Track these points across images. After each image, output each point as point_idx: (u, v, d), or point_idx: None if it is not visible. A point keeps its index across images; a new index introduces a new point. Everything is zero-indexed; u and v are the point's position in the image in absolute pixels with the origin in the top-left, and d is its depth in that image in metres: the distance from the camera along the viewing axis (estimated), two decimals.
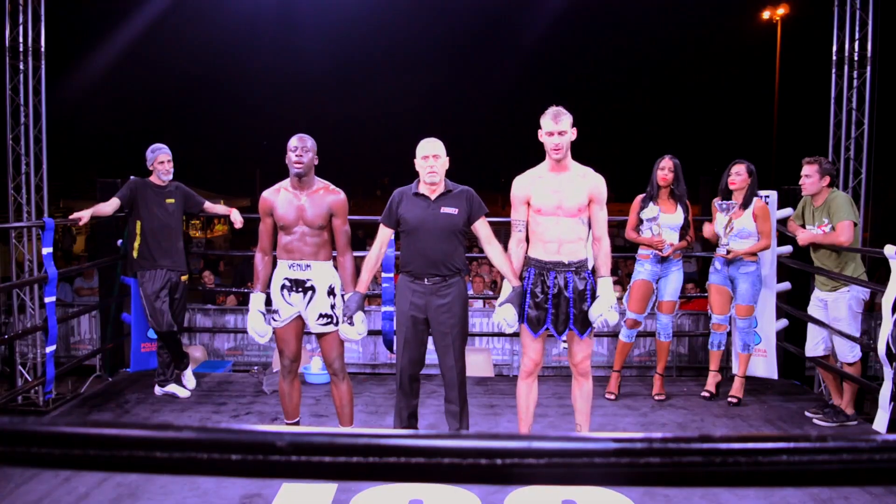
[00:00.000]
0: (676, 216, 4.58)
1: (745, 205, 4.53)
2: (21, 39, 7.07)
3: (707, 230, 4.71)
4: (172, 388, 4.66)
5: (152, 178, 4.65)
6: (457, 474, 0.54)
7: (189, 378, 4.82)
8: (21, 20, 7.03)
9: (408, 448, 0.54)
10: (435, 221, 3.48)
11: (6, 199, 7.23)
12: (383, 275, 5.30)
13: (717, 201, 4.59)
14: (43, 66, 7.20)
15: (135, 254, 4.58)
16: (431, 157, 3.50)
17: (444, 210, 3.50)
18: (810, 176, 4.32)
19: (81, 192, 19.17)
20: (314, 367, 5.14)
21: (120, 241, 5.19)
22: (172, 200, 4.65)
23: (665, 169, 4.58)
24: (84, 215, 4.44)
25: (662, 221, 4.57)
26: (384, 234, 3.62)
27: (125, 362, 5.26)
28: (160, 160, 4.59)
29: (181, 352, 4.73)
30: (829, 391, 4.62)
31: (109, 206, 4.52)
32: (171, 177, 4.65)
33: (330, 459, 0.54)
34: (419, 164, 3.54)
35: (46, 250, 4.42)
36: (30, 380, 7.10)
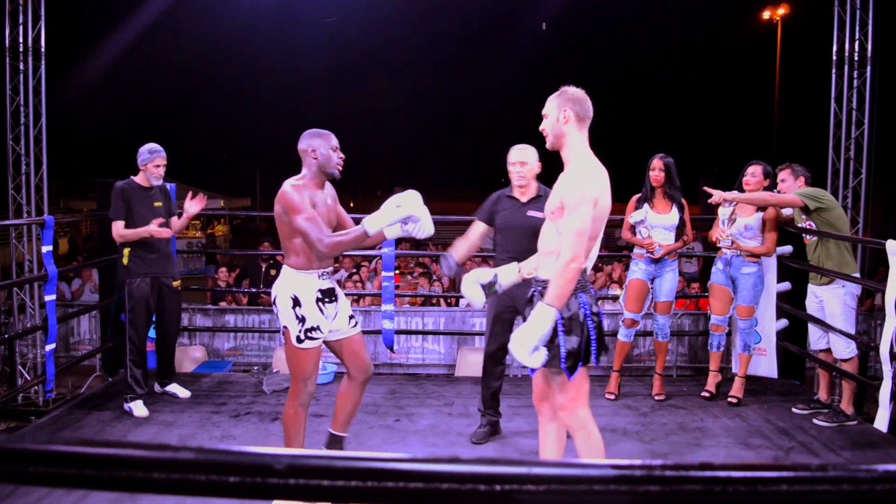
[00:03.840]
0: (671, 216, 4.59)
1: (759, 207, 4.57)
2: (21, 39, 7.06)
3: (713, 234, 4.73)
4: (174, 387, 4.66)
5: (138, 180, 4.41)
6: (455, 500, 0.53)
7: (180, 390, 4.69)
8: (21, 20, 7.03)
9: (406, 473, 0.54)
10: (521, 222, 3.75)
11: (6, 199, 7.23)
12: (383, 274, 5.30)
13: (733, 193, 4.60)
14: (43, 66, 7.19)
15: (125, 260, 4.38)
16: (518, 164, 3.77)
17: (531, 213, 3.75)
18: (785, 180, 4.55)
19: (81, 193, 19.21)
20: None
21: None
22: (160, 203, 4.47)
23: (656, 169, 4.60)
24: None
25: (656, 222, 4.58)
26: (475, 225, 3.81)
27: (125, 362, 5.25)
28: (157, 163, 4.39)
29: (169, 365, 4.70)
30: (820, 386, 4.65)
31: (126, 231, 4.30)
32: (161, 181, 4.48)
33: (328, 483, 0.54)
34: (509, 169, 3.80)
35: (46, 248, 4.41)
36: (29, 379, 7.10)
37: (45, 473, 0.56)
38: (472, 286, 2.92)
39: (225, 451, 0.55)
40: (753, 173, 4.54)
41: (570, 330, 2.64)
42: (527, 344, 2.52)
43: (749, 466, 0.52)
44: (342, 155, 3.19)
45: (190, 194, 4.64)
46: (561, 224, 2.64)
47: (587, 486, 0.52)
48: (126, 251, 4.37)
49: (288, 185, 3.08)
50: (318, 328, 3.13)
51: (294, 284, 3.11)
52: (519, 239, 3.70)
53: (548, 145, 2.81)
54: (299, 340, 3.10)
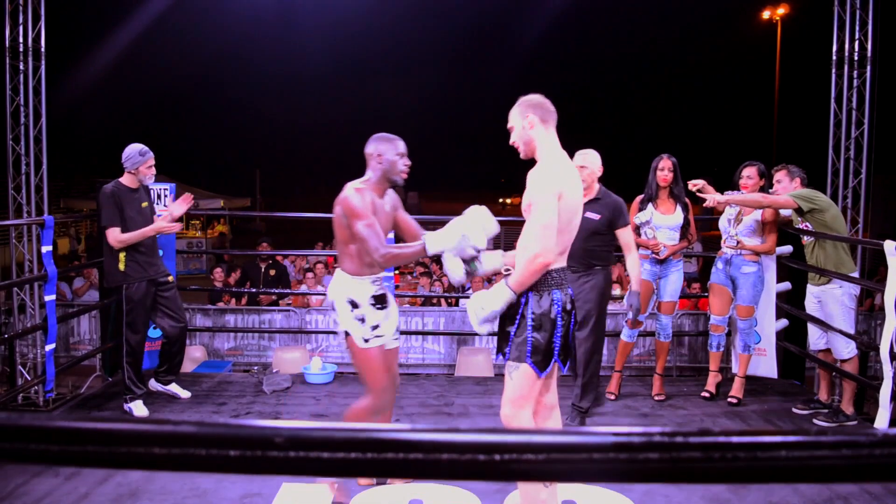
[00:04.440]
0: (676, 216, 4.59)
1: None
2: (21, 39, 7.06)
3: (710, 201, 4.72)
4: (174, 387, 4.65)
5: (126, 181, 4.31)
6: (455, 470, 0.53)
7: (180, 390, 4.69)
8: (21, 20, 7.03)
9: (406, 443, 0.54)
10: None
11: (6, 199, 7.23)
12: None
13: (727, 193, 4.59)
14: (43, 67, 7.20)
15: (121, 266, 4.28)
16: (577, 167, 3.96)
17: (588, 214, 3.91)
18: (781, 181, 4.55)
19: (82, 192, 19.23)
20: (314, 367, 5.14)
21: None
22: (146, 204, 4.41)
23: (664, 169, 4.58)
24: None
25: (661, 223, 4.57)
26: None
27: (122, 364, 5.25)
28: (149, 164, 4.31)
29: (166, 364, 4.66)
30: (820, 387, 4.65)
31: (127, 235, 4.24)
32: (153, 181, 4.43)
33: (328, 455, 0.54)
34: None
35: (46, 248, 4.40)
36: (30, 379, 7.10)
37: (46, 451, 0.56)
38: (454, 261, 2.91)
39: (225, 425, 0.55)
40: (749, 175, 4.54)
41: (540, 326, 2.69)
42: (479, 313, 2.70)
43: (748, 432, 0.52)
44: (408, 162, 3.11)
45: (172, 196, 4.55)
46: (529, 219, 2.68)
47: (587, 455, 0.52)
48: (122, 256, 4.28)
49: (350, 189, 3.00)
50: (378, 325, 3.08)
51: (349, 288, 3.06)
52: (577, 239, 3.89)
53: (522, 156, 2.85)
54: (365, 341, 3.03)
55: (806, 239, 4.55)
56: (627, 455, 0.52)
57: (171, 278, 4.59)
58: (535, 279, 2.65)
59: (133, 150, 4.31)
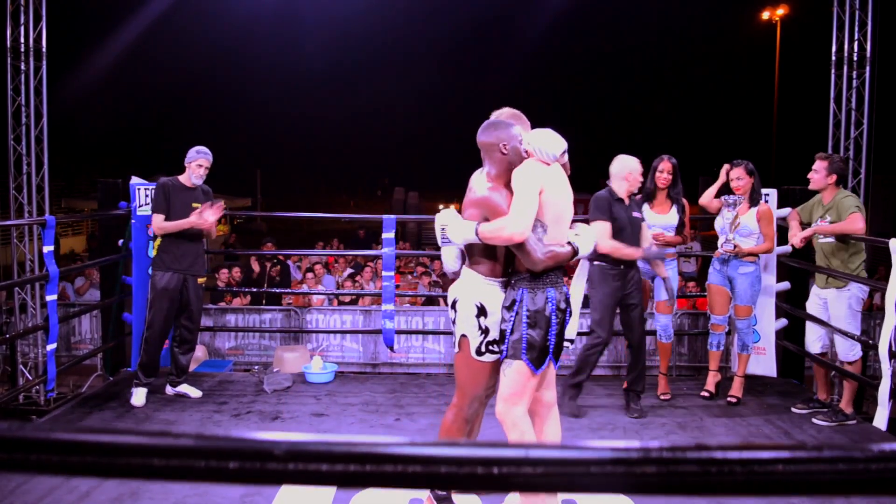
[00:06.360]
0: (670, 216, 4.60)
1: (752, 204, 4.55)
2: (22, 40, 7.06)
3: (706, 199, 4.75)
4: (184, 388, 4.65)
5: (183, 179, 4.56)
6: (454, 482, 0.53)
7: (191, 390, 4.71)
8: (22, 20, 7.03)
9: (405, 456, 0.54)
10: (628, 222, 4.26)
11: (8, 199, 7.24)
12: (383, 273, 5.31)
13: (724, 196, 4.58)
14: (44, 67, 7.20)
15: (154, 252, 4.55)
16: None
17: (636, 214, 4.33)
18: (818, 171, 4.39)
19: (83, 192, 19.24)
20: (315, 366, 5.15)
21: (121, 241, 5.20)
22: (198, 205, 4.55)
23: (664, 171, 4.59)
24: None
25: (655, 221, 4.58)
26: (604, 227, 4.20)
27: (126, 361, 5.27)
28: (199, 163, 4.51)
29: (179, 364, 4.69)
30: (817, 387, 4.65)
31: (166, 223, 4.44)
32: (202, 181, 4.59)
33: (327, 467, 0.54)
34: (637, 177, 4.33)
35: (47, 248, 4.41)
36: (31, 379, 7.11)
37: (47, 461, 0.56)
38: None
39: (224, 438, 0.55)
40: (739, 177, 4.52)
41: (535, 323, 2.72)
42: (442, 229, 2.83)
43: (745, 447, 0.52)
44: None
45: (209, 203, 4.64)
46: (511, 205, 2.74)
47: (584, 468, 0.53)
48: (156, 243, 4.53)
49: (483, 188, 2.80)
50: (499, 341, 2.84)
51: (480, 291, 2.82)
52: (628, 237, 4.28)
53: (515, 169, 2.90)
54: (479, 353, 2.81)
55: (821, 239, 4.44)
56: (625, 469, 0.52)
57: (202, 280, 4.70)
58: (494, 243, 2.74)
59: (193, 148, 4.60)
